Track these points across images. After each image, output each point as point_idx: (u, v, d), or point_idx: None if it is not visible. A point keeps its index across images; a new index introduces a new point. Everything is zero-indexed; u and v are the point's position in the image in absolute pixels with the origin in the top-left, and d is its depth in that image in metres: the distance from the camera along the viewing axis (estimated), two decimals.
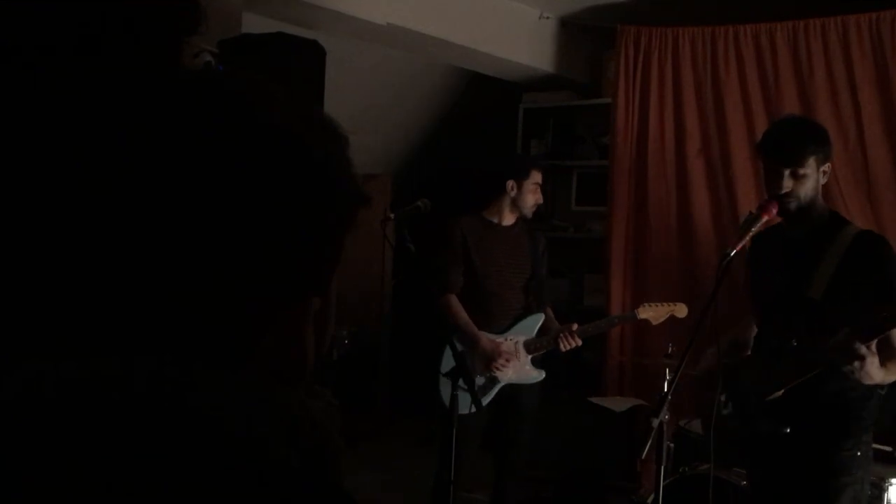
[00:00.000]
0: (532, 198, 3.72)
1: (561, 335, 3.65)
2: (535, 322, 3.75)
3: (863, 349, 2.28)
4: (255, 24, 3.93)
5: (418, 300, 3.80)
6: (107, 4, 0.65)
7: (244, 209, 0.61)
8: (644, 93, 4.74)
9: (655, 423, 2.49)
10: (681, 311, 3.85)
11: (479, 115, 6.04)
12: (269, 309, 0.65)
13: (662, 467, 2.66)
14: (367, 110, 5.50)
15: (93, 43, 0.62)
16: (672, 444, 3.47)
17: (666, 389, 2.70)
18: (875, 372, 2.33)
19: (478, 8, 4.80)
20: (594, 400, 4.22)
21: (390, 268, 6.04)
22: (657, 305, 3.87)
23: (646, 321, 3.85)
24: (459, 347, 3.30)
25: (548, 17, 5.21)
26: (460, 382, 3.12)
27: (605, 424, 4.45)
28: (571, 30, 5.35)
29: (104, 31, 0.63)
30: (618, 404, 4.14)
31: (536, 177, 3.72)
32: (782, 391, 2.49)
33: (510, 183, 3.69)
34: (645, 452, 2.51)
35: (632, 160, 4.76)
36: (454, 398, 3.14)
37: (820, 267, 2.54)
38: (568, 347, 3.66)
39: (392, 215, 3.38)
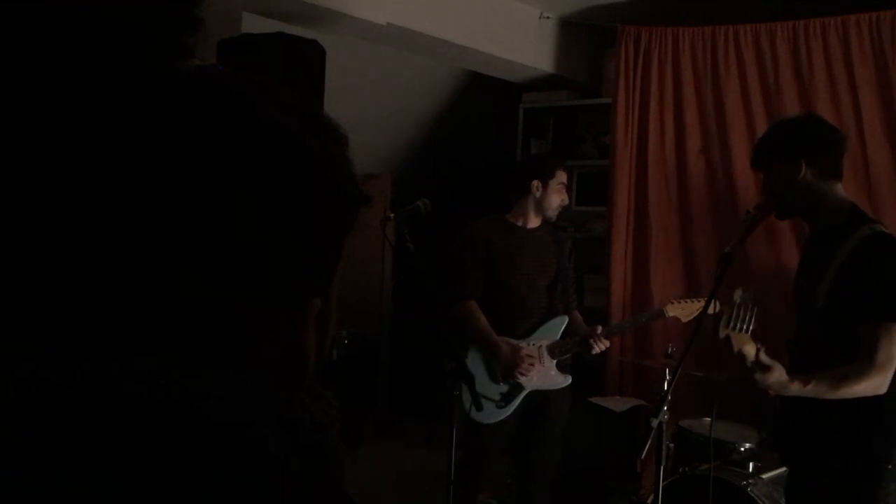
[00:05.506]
0: (557, 198, 3.61)
1: (592, 339, 3.51)
2: (559, 325, 3.62)
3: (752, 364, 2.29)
4: (255, 24, 3.94)
5: (426, 303, 3.72)
6: (105, 3, 0.65)
7: (244, 209, 0.61)
8: (644, 93, 4.74)
9: (655, 423, 2.49)
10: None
11: (479, 115, 6.04)
12: (269, 309, 0.65)
13: (662, 467, 2.66)
14: (367, 110, 5.50)
15: (91, 41, 0.62)
16: (672, 444, 3.47)
17: (666, 389, 2.70)
18: (778, 383, 2.29)
19: (478, 8, 4.80)
20: (594, 400, 4.21)
21: (390, 268, 6.04)
22: (687, 302, 3.65)
23: (675, 319, 3.65)
24: (464, 351, 3.30)
25: (548, 17, 5.21)
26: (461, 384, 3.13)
27: (605, 424, 4.45)
28: (571, 30, 5.35)
29: (103, 31, 0.63)
30: (618, 404, 4.13)
31: (561, 177, 3.62)
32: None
33: (535, 183, 3.59)
34: (645, 452, 2.51)
35: (632, 160, 4.76)
36: (455, 398, 3.15)
37: (826, 273, 2.38)
38: (600, 350, 3.54)
39: (392, 215, 3.37)
